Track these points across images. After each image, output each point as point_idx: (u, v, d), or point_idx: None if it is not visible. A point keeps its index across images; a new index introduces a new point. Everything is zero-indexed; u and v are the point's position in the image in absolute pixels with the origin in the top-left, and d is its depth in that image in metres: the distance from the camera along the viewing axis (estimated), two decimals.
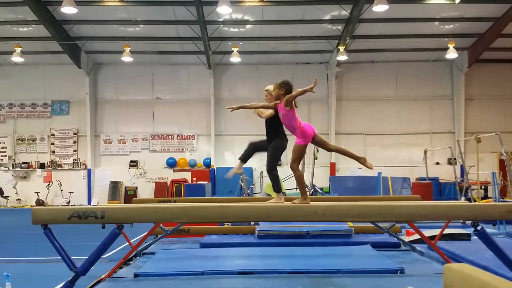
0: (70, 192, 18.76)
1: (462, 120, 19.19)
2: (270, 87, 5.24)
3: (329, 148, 4.54)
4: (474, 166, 12.86)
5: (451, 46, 16.83)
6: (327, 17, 16.22)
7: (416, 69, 19.57)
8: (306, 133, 4.21)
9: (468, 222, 6.25)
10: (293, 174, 4.43)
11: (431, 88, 19.63)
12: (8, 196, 18.91)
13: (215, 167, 19.33)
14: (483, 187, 15.57)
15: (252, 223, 7.86)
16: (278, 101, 4.44)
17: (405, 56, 19.08)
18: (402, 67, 19.60)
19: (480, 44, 17.77)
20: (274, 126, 4.98)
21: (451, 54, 17.06)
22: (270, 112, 4.86)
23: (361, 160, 4.32)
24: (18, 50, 16.78)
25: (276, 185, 4.80)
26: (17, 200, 19.02)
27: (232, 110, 4.97)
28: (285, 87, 4.30)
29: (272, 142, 4.95)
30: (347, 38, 16.59)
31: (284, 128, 4.71)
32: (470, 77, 19.25)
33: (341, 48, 16.78)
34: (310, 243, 6.82)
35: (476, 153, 11.53)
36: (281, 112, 4.34)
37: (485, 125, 18.55)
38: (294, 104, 4.29)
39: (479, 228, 4.05)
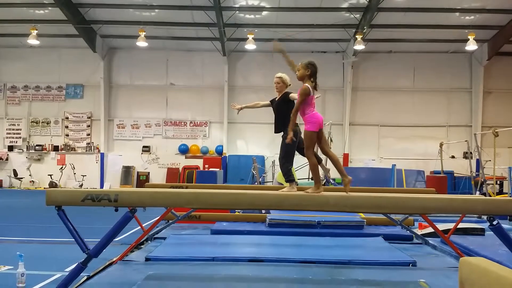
0: (83, 176, 18.97)
1: (480, 113, 18.83)
2: (283, 75, 5.17)
3: (324, 149, 4.27)
4: (490, 160, 12.66)
5: (471, 37, 16.46)
6: (345, 5, 15.94)
7: (434, 60, 19.21)
8: (313, 119, 4.08)
9: (484, 217, 6.15)
10: (306, 163, 4.38)
11: (449, 80, 19.28)
12: (22, 178, 19.19)
13: (227, 155, 19.34)
14: (498, 182, 15.32)
15: (263, 211, 7.85)
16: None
17: (423, 47, 18.73)
18: (420, 58, 19.25)
19: (500, 36, 17.35)
20: (283, 112, 4.93)
21: (471, 46, 16.69)
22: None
23: (345, 180, 4.02)
24: (34, 32, 16.88)
25: (288, 177, 4.74)
26: (30, 182, 19.30)
27: (241, 109, 5.19)
28: (311, 68, 4.17)
29: (283, 134, 4.89)
30: (364, 27, 16.32)
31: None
32: (490, 69, 18.85)
33: (359, 37, 16.51)
34: (321, 233, 6.78)
35: (493, 148, 11.33)
36: (298, 92, 4.24)
37: (503, 119, 18.19)
38: (312, 92, 4.19)
39: (495, 222, 3.95)
